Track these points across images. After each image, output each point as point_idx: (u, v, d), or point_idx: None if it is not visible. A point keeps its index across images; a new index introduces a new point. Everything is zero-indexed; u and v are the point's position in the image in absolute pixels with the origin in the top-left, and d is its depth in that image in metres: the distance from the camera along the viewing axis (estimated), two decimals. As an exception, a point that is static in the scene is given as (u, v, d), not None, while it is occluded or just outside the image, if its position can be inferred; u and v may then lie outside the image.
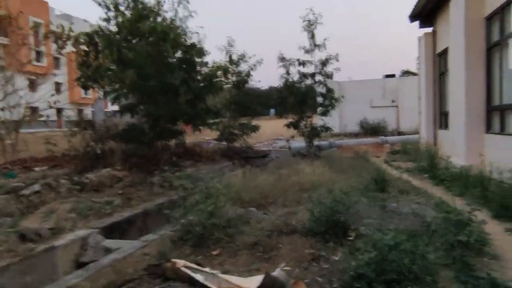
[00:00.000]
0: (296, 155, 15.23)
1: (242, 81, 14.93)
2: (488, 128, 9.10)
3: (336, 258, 3.73)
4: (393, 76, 25.37)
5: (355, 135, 23.25)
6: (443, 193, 7.50)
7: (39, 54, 39.54)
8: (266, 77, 25.10)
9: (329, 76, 12.80)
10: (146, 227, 7.80)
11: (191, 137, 15.35)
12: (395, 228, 4.01)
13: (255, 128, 14.50)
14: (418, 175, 9.88)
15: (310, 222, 4.63)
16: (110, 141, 11.99)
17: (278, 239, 4.67)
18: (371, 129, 23.14)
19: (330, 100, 13.20)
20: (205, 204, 4.93)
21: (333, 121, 25.36)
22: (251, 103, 15.02)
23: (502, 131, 8.34)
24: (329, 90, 13.12)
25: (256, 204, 6.85)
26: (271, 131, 27.48)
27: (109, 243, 6.10)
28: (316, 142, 14.65)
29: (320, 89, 13.26)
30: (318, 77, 12.97)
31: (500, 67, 8.55)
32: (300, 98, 13.14)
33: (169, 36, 8.73)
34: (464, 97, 9.41)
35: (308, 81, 13.26)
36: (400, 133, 23.20)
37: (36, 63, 34.83)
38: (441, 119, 13.62)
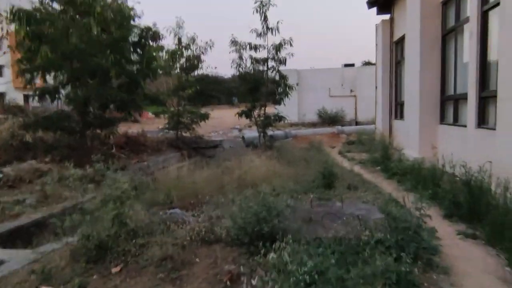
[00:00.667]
0: (249, 145, 14.49)
1: (192, 66, 13.84)
2: (442, 119, 8.74)
3: (254, 283, 2.95)
4: (352, 65, 25.16)
5: (313, 124, 22.87)
6: (394, 188, 6.99)
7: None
8: (229, 65, 24.08)
9: (282, 61, 12.02)
10: (63, 231, 6.72)
11: (141, 126, 14.17)
12: (330, 237, 3.30)
13: (204, 116, 13.53)
14: (370, 167, 9.41)
15: (234, 230, 3.83)
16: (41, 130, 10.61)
17: (196, 251, 3.84)
18: (329, 119, 22.86)
19: (284, 88, 12.45)
20: (108, 208, 3.99)
21: (291, 110, 24.91)
22: (210, 90, 13.96)
23: (456, 122, 7.97)
24: (283, 77, 12.38)
25: (187, 203, 5.99)
26: (232, 120, 26.60)
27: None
28: (270, 132, 13.93)
29: (274, 75, 12.46)
30: (271, 63, 12.15)
31: (455, 55, 8.14)
32: (252, 85, 12.29)
33: (94, 9, 7.53)
34: (418, 86, 8.98)
35: (261, 67, 12.41)
36: (358, 123, 23.09)
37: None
38: (397, 109, 13.32)
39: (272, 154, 11.39)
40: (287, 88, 12.43)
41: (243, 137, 15.52)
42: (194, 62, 13.90)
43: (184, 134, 14.23)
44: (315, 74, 24.72)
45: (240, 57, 12.69)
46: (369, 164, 9.84)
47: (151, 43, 13.07)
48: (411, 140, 9.69)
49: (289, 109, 24.98)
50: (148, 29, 13.02)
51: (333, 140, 15.68)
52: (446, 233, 4.45)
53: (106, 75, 7.88)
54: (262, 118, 13.31)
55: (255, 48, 11.91)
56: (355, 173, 8.35)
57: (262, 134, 13.48)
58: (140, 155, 11.76)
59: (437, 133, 8.67)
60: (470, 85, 6.78)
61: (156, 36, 12.89)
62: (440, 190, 5.81)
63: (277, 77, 12.44)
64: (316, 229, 3.85)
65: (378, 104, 14.59)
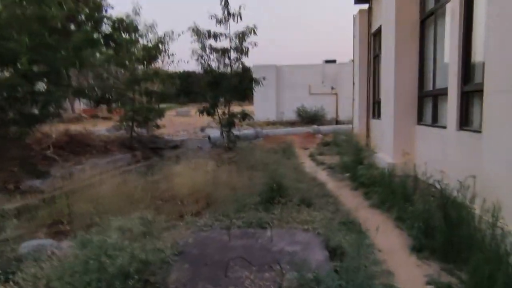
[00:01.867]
0: (215, 146, 13.12)
1: (150, 56, 12.39)
2: (420, 119, 7.49)
3: None
4: (333, 61, 23.94)
5: (292, 123, 21.57)
6: (358, 202, 5.71)
7: None
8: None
9: (243, 52, 10.65)
10: None
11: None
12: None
13: (160, 113, 12.10)
14: (339, 174, 8.15)
15: None
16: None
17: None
18: (309, 118, 21.59)
19: (248, 82, 11.09)
20: None
21: (269, 108, 23.65)
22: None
23: (435, 122, 6.72)
24: (246, 70, 11.02)
25: (83, 225, 4.59)
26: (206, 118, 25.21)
27: None
28: (236, 131, 12.58)
29: (237, 68, 11.10)
30: (234, 54, 10.77)
31: (434, 43, 6.89)
32: (211, 79, 10.90)
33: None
34: (393, 81, 7.72)
35: (225, 60, 11.03)
36: (338, 122, 21.87)
37: None
38: (375, 107, 12.09)
39: (230, 157, 10.05)
40: (252, 83, 11.06)
41: (208, 137, 14.13)
42: (152, 52, 12.44)
43: (146, 133, 12.80)
44: (295, 70, 23.43)
45: (203, 48, 11.28)
46: (339, 169, 8.59)
47: (124, 36, 11.69)
48: (386, 142, 8.44)
49: (267, 107, 23.75)
50: (120, 20, 11.57)
51: (308, 141, 14.40)
52: (412, 279, 3.16)
53: (15, 62, 6.45)
54: (227, 116, 11.95)
55: (215, 36, 10.51)
56: (318, 182, 7.06)
57: (227, 133, 12.12)
58: (81, 157, 10.28)
59: (414, 135, 7.43)
60: (450, 78, 5.53)
61: (130, 28, 11.48)
62: (411, 209, 4.54)
63: (239, 69, 11.06)
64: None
65: (355, 102, 13.36)
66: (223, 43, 10.86)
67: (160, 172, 7.75)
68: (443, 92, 6.04)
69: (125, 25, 11.58)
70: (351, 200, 5.84)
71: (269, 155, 10.31)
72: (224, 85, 11.12)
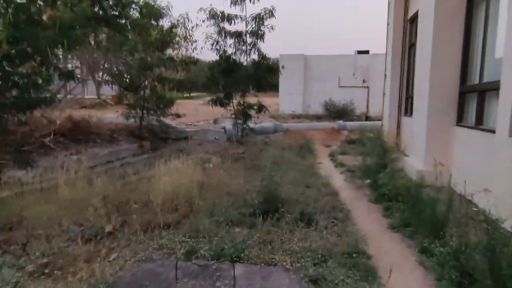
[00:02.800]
0: (230, 139, 12.22)
1: (164, 40, 11.61)
2: (460, 119, 6.21)
3: None
4: (366, 52, 22.27)
5: (318, 117, 20.27)
6: (375, 221, 4.61)
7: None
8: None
9: (259, 36, 9.57)
10: None
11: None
12: None
13: (170, 102, 11.32)
14: (358, 179, 7.00)
15: None
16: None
17: None
18: (337, 112, 20.19)
19: (264, 71, 10.03)
20: None
21: (295, 100, 22.39)
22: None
23: (479, 124, 5.45)
24: (263, 57, 9.95)
25: (25, 236, 3.81)
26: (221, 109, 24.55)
27: None
28: (252, 124, 11.61)
29: (249, 56, 10.05)
30: (249, 39, 9.73)
31: (485, 26, 5.57)
32: (225, 67, 9.95)
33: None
34: (429, 72, 6.45)
35: (237, 44, 10.02)
36: (368, 118, 20.35)
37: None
38: (407, 103, 10.73)
39: (241, 153, 9.11)
40: (269, 71, 9.99)
41: (224, 129, 13.25)
42: (167, 36, 11.64)
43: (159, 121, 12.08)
44: (324, 60, 22.00)
45: (219, 32, 10.33)
46: (359, 174, 7.43)
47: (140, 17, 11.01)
48: (416, 145, 7.21)
49: (292, 99, 22.54)
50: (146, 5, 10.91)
51: (331, 137, 13.19)
52: None
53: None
54: (241, 108, 11.00)
55: (229, 19, 9.51)
56: (330, 190, 5.97)
57: (241, 125, 11.19)
58: (82, 145, 9.68)
59: (451, 138, 6.17)
60: (505, 70, 4.27)
61: (154, 13, 10.73)
62: (443, 241, 3.41)
63: (255, 56, 10.01)
64: None
65: (386, 96, 12.01)
66: (239, 26, 9.86)
67: (155, 168, 6.93)
68: (493, 87, 4.77)
69: (150, 11, 10.91)
70: (366, 217, 4.74)
71: (283, 153, 9.28)
72: (239, 74, 10.13)
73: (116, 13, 9.65)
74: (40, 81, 6.31)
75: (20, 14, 6.23)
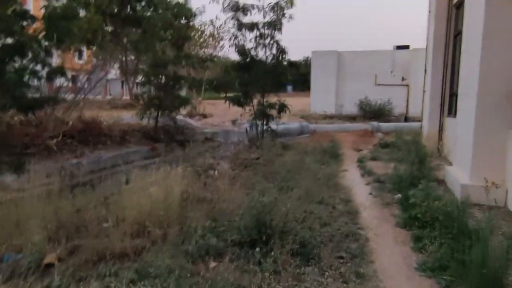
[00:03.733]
0: (253, 140, 11.29)
1: (180, 36, 10.93)
2: (519, 121, 4.88)
3: None
4: (406, 47, 20.49)
5: (352, 118, 18.82)
6: (399, 256, 3.48)
7: None
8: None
9: (276, 27, 8.56)
10: None
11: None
12: None
13: (185, 102, 10.59)
14: (387, 193, 5.81)
15: None
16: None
17: None
18: (372, 112, 18.62)
19: (283, 67, 9.00)
20: None
21: (327, 100, 21.02)
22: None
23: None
24: (282, 51, 8.92)
25: None
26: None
27: None
28: (274, 126, 10.62)
29: (270, 50, 9.05)
30: (266, 31, 8.74)
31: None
32: (242, 63, 9.04)
33: None
34: (478, 65, 5.16)
35: (257, 38, 9.07)
36: (407, 119, 18.61)
37: None
38: (451, 101, 9.28)
39: (255, 158, 8.16)
40: (288, 67, 8.95)
41: (246, 130, 12.34)
42: (184, 32, 10.94)
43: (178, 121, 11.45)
44: (359, 57, 20.47)
45: (239, 26, 9.41)
46: (389, 185, 6.23)
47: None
48: (461, 152, 5.90)
49: (324, 98, 21.20)
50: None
51: (363, 140, 11.89)
52: None
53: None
54: (261, 107, 10.05)
55: (244, 9, 8.58)
56: (348, 208, 4.87)
57: (261, 127, 10.25)
58: (89, 148, 9.17)
59: (507, 145, 4.85)
60: None
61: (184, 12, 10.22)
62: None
63: (274, 51, 8.99)
64: None
65: (426, 94, 10.56)
66: (256, 17, 8.93)
67: (147, 175, 6.14)
68: None
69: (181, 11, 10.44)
70: (389, 250, 3.62)
71: (303, 158, 8.21)
72: (257, 70, 9.18)
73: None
74: (26, 77, 5.78)
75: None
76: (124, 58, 23.64)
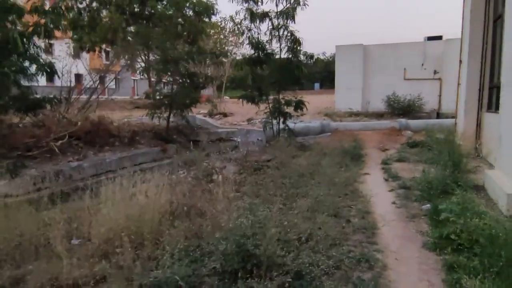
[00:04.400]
0: (268, 140, 10.59)
1: (192, 31, 10.37)
2: None
3: None
4: (439, 38, 19.04)
5: (380, 115, 17.66)
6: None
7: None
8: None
9: (289, 16, 7.78)
10: None
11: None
12: None
13: (194, 100, 10.02)
14: (413, 203, 4.95)
15: None
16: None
17: None
18: (401, 109, 17.38)
19: (298, 59, 8.22)
20: None
21: (353, 96, 19.90)
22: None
23: None
24: (297, 42, 8.13)
25: None
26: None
27: None
28: (292, 124, 9.87)
29: (285, 42, 8.27)
30: (280, 21, 7.99)
31: None
32: (255, 57, 8.35)
33: None
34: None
35: (265, 28, 8.35)
36: (439, 115, 17.27)
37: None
38: (491, 94, 8.20)
39: (266, 160, 7.45)
40: (303, 58, 8.16)
41: (264, 129, 11.65)
42: (195, 26, 10.39)
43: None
44: (387, 50, 19.22)
45: (252, 17, 8.70)
46: (417, 193, 5.35)
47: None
48: (506, 153, 4.95)
49: (350, 95, 20.12)
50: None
51: (390, 139, 10.90)
52: None
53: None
54: (277, 105, 9.32)
55: (255, -1, 7.86)
56: (366, 222, 4.08)
57: (277, 126, 9.54)
58: (96, 149, 8.78)
59: None
60: None
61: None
62: None
63: (288, 43, 8.21)
64: None
65: (462, 87, 9.46)
66: (269, 6, 8.20)
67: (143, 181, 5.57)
68: None
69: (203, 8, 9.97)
70: (413, 284, 2.82)
71: (320, 160, 7.42)
72: (270, 65, 8.45)
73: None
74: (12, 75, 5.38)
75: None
76: (146, 57, 23.53)
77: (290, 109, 9.43)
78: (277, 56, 8.96)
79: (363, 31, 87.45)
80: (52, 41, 8.38)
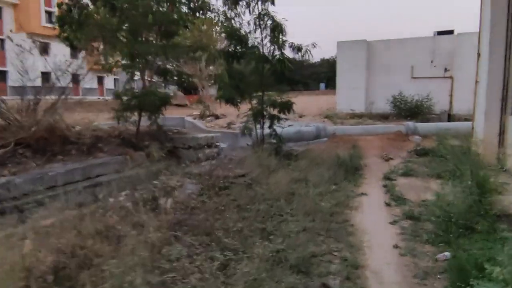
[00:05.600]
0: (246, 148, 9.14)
1: (160, 22, 9.02)
2: None
3: None
4: (449, 32, 17.41)
5: (384, 117, 16.17)
6: None
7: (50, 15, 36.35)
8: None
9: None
10: None
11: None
12: None
13: (163, 102, 8.64)
14: (423, 247, 3.51)
15: None
16: None
17: None
18: (408, 110, 15.84)
19: (282, 51, 6.80)
20: None
21: (356, 96, 18.37)
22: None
23: None
24: (277, 29, 6.70)
25: None
26: (301, 106, 21.91)
27: None
28: (280, 129, 8.44)
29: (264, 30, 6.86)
30: (258, 4, 6.59)
31: None
32: (230, 50, 6.96)
33: None
34: None
35: (251, 18, 6.94)
36: (451, 118, 15.70)
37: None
38: (518, 94, 6.72)
39: (240, 176, 6.04)
40: (289, 50, 6.74)
41: (250, 134, 10.23)
42: (167, 18, 9.02)
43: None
44: (393, 46, 17.69)
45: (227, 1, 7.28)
46: (428, 227, 3.91)
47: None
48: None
49: (352, 95, 18.61)
50: None
51: (395, 146, 9.42)
52: None
53: None
54: (259, 107, 7.90)
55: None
56: (353, 285, 2.65)
57: (262, 131, 8.15)
58: (45, 159, 7.44)
59: None
60: None
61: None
62: None
63: (269, 31, 6.78)
64: None
65: (480, 85, 7.95)
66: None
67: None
68: None
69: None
70: None
71: (307, 175, 5.99)
72: (249, 58, 7.04)
73: None
74: None
75: None
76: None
77: (276, 112, 8.00)
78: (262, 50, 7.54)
79: (366, 27, 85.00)
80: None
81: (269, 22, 6.63)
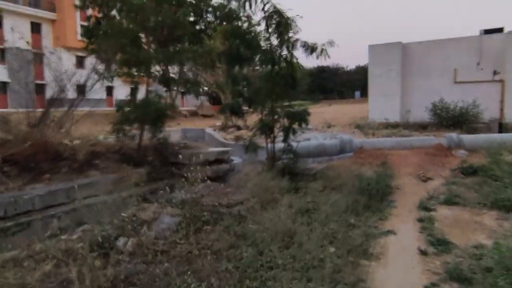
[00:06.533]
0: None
1: (160, 25, 8.22)
2: None
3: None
4: (499, 31, 15.39)
5: (423, 127, 14.44)
6: None
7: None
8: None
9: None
10: None
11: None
12: None
13: (161, 114, 7.70)
14: None
15: None
16: None
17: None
18: (451, 119, 14.01)
19: (289, 51, 5.64)
20: None
21: (390, 104, 16.68)
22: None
23: None
24: (281, 24, 5.54)
25: None
26: (340, 116, 20.78)
27: None
28: (295, 142, 7.24)
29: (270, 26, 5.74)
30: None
31: None
32: (235, 50, 5.91)
33: None
34: None
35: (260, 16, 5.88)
36: (502, 128, 13.70)
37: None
38: None
39: (232, 203, 4.92)
40: (291, 46, 5.57)
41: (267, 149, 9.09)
42: (171, 20, 8.18)
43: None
44: (432, 48, 15.92)
45: None
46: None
47: None
48: None
49: (386, 102, 16.95)
50: None
51: (435, 162, 7.92)
52: None
53: None
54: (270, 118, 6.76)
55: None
56: None
57: (272, 148, 7.01)
58: (30, 177, 6.71)
59: None
60: None
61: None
62: None
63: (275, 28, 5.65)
64: None
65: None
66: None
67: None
68: None
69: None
70: None
71: (319, 202, 4.75)
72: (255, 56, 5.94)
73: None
74: None
75: None
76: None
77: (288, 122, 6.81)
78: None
79: (402, 30, 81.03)
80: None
81: (275, 17, 5.51)
